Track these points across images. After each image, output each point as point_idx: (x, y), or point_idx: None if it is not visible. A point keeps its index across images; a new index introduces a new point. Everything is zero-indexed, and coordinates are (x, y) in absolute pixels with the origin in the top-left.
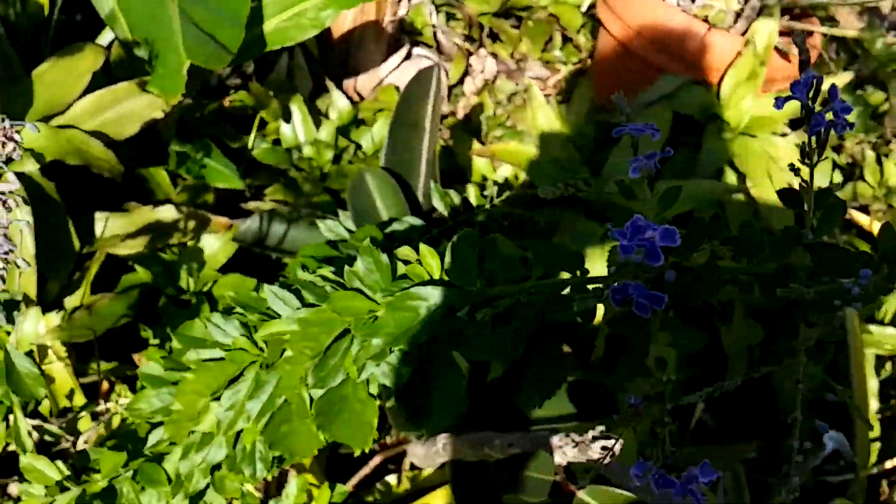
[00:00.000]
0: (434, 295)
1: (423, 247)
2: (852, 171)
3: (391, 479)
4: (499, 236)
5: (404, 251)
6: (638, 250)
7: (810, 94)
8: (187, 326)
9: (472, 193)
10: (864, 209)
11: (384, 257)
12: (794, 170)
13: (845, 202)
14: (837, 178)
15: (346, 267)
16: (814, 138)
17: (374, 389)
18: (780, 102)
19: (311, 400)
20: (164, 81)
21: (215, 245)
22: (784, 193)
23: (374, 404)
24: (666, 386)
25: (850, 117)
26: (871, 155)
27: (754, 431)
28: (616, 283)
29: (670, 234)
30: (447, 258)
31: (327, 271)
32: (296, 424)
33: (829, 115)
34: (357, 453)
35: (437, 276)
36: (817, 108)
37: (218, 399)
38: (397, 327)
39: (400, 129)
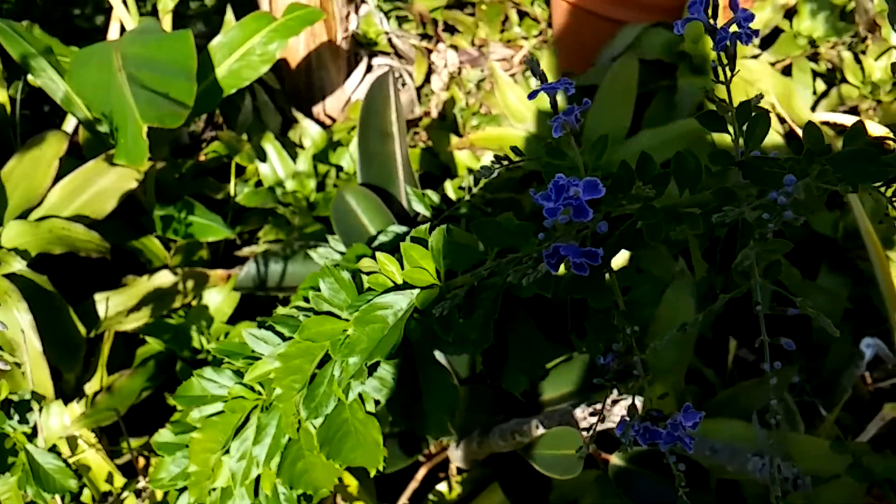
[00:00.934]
0: (398, 300)
1: (379, 255)
2: (833, 77)
3: (442, 487)
4: (451, 226)
5: (366, 263)
6: (565, 210)
7: (709, 11)
8: (185, 387)
9: (449, 189)
10: (855, 111)
11: (345, 274)
12: (716, 80)
13: (768, 111)
14: (821, 86)
15: (311, 292)
16: (722, 54)
17: (371, 407)
18: (679, 26)
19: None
20: (128, 150)
21: (218, 299)
22: (703, 118)
23: (374, 422)
24: (631, 338)
25: (818, 24)
26: (848, 55)
27: (793, 358)
28: (546, 249)
29: (593, 186)
30: (404, 262)
31: (307, 300)
32: (310, 459)
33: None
34: (372, 473)
35: (399, 281)
36: (720, 23)
37: (228, 452)
38: (370, 340)
39: (368, 141)
